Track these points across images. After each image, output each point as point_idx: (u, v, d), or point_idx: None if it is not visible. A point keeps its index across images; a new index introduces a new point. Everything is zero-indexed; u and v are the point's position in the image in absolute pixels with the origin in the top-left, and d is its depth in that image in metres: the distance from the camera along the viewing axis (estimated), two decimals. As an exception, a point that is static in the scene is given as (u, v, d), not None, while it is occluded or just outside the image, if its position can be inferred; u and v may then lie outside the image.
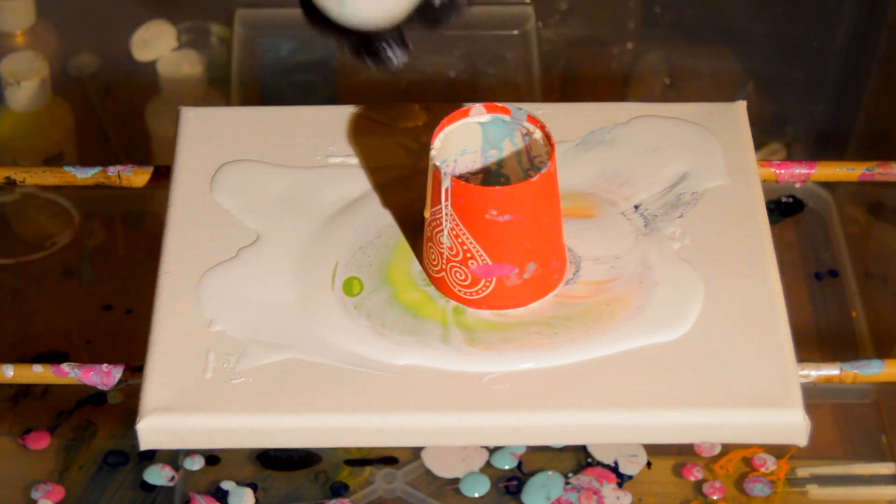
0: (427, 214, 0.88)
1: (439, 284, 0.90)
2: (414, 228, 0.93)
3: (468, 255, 0.87)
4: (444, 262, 0.88)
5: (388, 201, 0.95)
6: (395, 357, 0.87)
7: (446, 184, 0.85)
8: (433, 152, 0.87)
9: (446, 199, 0.85)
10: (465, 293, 0.89)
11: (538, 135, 0.88)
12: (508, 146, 0.90)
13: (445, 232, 0.87)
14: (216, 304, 0.89)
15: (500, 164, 0.91)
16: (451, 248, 0.87)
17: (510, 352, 0.87)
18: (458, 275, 0.88)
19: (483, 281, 0.88)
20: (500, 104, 0.89)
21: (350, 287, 0.90)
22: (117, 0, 1.49)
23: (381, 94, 1.44)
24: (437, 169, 0.86)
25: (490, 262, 0.87)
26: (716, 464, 1.17)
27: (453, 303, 0.89)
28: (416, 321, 0.88)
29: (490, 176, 0.92)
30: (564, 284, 0.90)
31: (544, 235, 0.88)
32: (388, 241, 0.93)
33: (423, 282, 0.91)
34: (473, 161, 0.91)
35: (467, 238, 0.86)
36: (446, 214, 0.86)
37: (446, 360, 0.87)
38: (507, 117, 0.89)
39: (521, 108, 0.89)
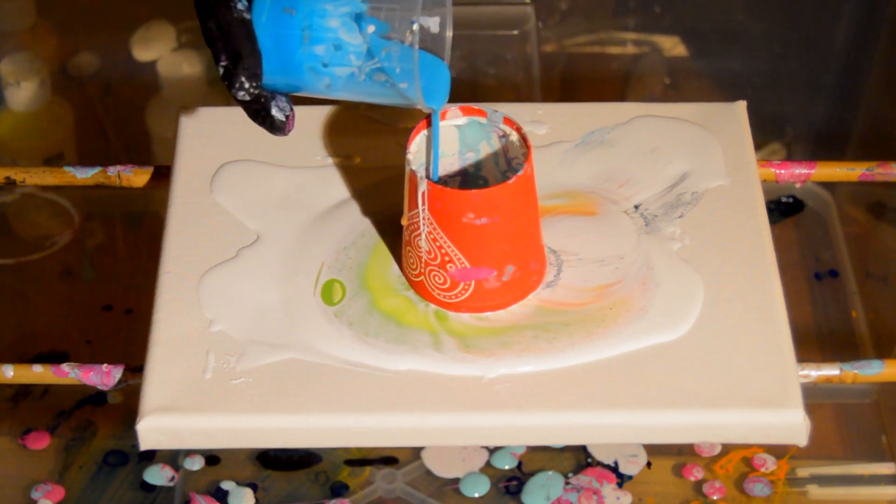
0: (404, 222, 0.88)
1: (418, 288, 0.90)
2: (393, 230, 0.92)
3: (446, 258, 0.87)
4: (423, 266, 0.88)
5: (377, 201, 0.95)
6: (390, 364, 0.87)
7: (423, 188, 0.85)
8: (409, 156, 0.86)
9: (423, 203, 0.85)
10: (445, 297, 0.89)
11: (514, 136, 0.88)
12: (486, 148, 0.90)
13: (423, 236, 0.87)
14: (216, 304, 0.89)
15: (478, 166, 0.91)
16: (429, 252, 0.87)
17: (509, 357, 0.87)
18: (436, 278, 0.88)
19: (462, 284, 0.88)
20: (476, 106, 0.89)
21: (330, 292, 0.90)
22: (117, 0, 1.49)
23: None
24: (413, 173, 0.85)
25: (468, 266, 0.87)
26: (716, 464, 1.17)
27: (434, 307, 0.89)
28: (401, 329, 0.88)
29: (468, 178, 0.92)
30: (546, 287, 0.90)
31: (522, 237, 0.87)
32: (369, 241, 0.93)
33: (401, 286, 0.91)
34: (451, 164, 0.91)
35: (445, 242, 0.86)
36: (424, 218, 0.86)
37: (444, 367, 0.87)
38: (483, 120, 0.89)
39: (496, 111, 0.88)
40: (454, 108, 0.88)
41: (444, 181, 0.91)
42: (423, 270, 0.88)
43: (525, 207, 0.87)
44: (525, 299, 0.90)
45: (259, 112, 0.83)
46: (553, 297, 0.90)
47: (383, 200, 0.94)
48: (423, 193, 0.85)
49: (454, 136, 0.90)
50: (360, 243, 0.93)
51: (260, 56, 0.82)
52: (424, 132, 0.88)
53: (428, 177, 0.88)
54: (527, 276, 0.89)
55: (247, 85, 0.82)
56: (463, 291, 0.88)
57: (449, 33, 0.84)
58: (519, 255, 0.88)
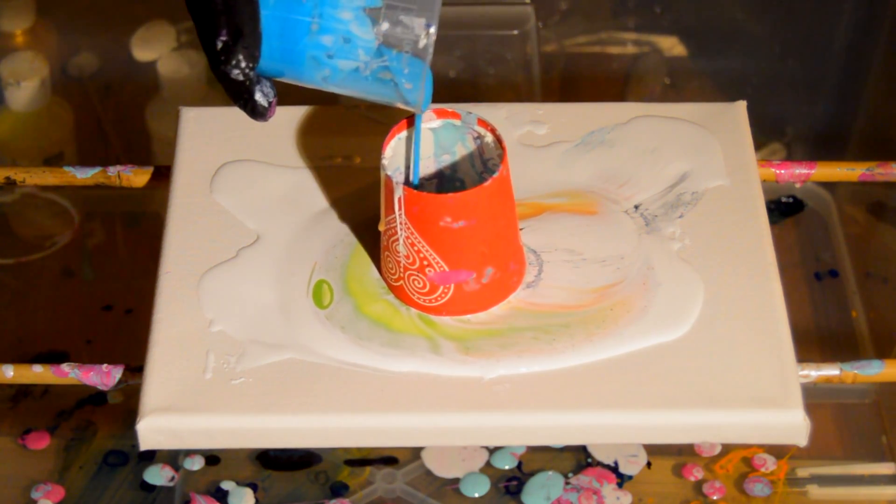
0: (381, 228, 0.88)
1: (398, 293, 0.90)
2: (372, 234, 0.92)
3: (425, 262, 0.87)
4: (402, 270, 0.88)
5: (372, 202, 0.94)
6: (389, 367, 0.87)
7: (399, 193, 0.85)
8: (384, 161, 0.86)
9: (400, 209, 0.85)
10: (425, 301, 0.89)
11: (489, 138, 0.88)
12: (461, 150, 0.90)
13: (401, 241, 0.87)
14: (216, 304, 0.89)
15: (454, 167, 0.91)
16: (407, 257, 0.87)
17: (509, 358, 0.87)
18: (416, 283, 0.88)
19: (441, 288, 0.88)
20: (449, 109, 0.88)
21: (320, 294, 0.90)
22: (117, 0, 1.49)
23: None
24: (388, 178, 0.85)
25: (447, 269, 0.87)
26: (716, 464, 1.17)
27: (416, 311, 0.89)
28: (392, 335, 0.88)
29: (444, 180, 0.91)
30: (526, 287, 0.90)
31: (500, 239, 0.87)
32: (355, 240, 0.92)
33: (382, 290, 0.90)
34: (427, 167, 0.91)
35: (423, 246, 0.86)
36: (401, 223, 0.86)
37: (443, 369, 0.86)
38: (457, 122, 0.89)
39: (471, 113, 0.88)
40: (427, 111, 0.88)
41: (421, 184, 0.91)
42: (402, 275, 0.88)
43: (502, 209, 0.87)
44: (506, 300, 0.89)
45: (242, 94, 0.81)
46: (534, 298, 0.90)
47: (369, 201, 0.94)
48: (400, 199, 0.85)
49: (429, 139, 0.90)
50: (347, 241, 0.93)
51: (261, 37, 0.80)
52: (398, 137, 0.88)
53: (407, 181, 0.87)
54: (506, 277, 0.89)
55: (243, 64, 0.80)
56: (443, 295, 0.88)
57: (432, 37, 0.84)
58: (497, 257, 0.88)
